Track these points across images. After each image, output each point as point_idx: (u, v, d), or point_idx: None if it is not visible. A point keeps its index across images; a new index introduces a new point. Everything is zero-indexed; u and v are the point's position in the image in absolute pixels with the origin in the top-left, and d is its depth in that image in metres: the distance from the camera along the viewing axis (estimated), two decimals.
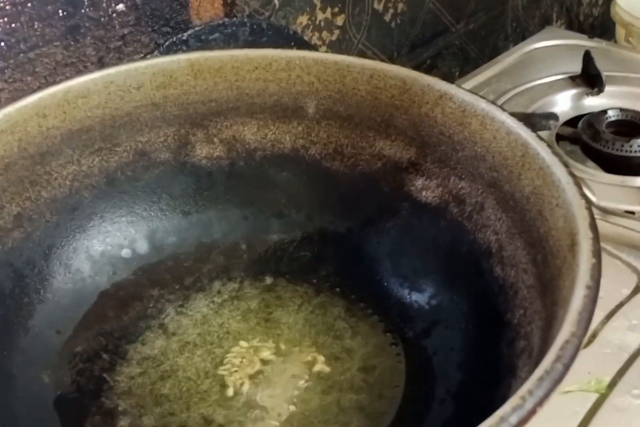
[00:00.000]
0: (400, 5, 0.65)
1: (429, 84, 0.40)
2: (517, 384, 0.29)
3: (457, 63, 0.77)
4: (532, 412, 0.23)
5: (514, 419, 0.22)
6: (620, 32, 0.80)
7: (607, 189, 0.55)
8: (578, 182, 0.32)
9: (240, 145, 0.43)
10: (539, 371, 0.24)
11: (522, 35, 0.87)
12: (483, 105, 0.38)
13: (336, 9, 0.58)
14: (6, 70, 0.39)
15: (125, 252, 0.41)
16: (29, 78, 0.40)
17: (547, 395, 0.23)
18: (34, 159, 0.37)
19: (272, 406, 0.35)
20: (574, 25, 1.01)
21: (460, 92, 0.39)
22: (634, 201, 0.53)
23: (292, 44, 0.53)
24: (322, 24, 0.58)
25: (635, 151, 0.58)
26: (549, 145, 0.35)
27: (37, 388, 0.34)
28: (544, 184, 0.34)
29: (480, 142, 0.38)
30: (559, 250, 0.31)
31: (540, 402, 0.23)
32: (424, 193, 0.41)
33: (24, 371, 0.34)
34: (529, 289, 0.33)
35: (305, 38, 0.56)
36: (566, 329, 0.25)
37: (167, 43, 0.45)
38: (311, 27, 0.57)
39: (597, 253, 0.28)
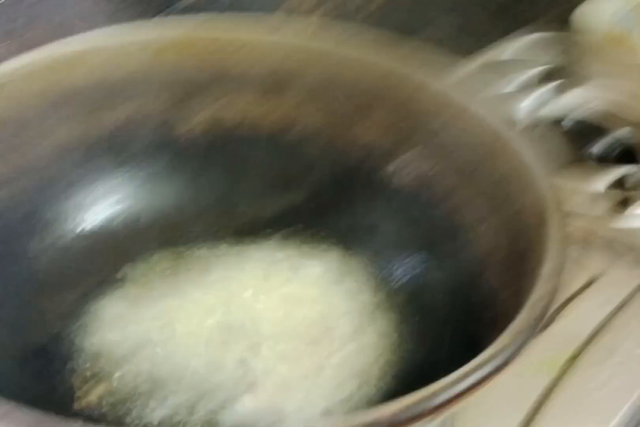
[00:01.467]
0: None
1: (407, 74, 0.41)
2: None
3: None
4: (505, 363, 0.24)
5: (488, 367, 0.24)
6: None
7: None
8: (547, 166, 0.35)
9: (220, 124, 0.44)
10: (513, 327, 0.25)
11: None
12: (457, 95, 0.40)
13: None
14: None
15: (104, 222, 0.42)
16: None
17: (520, 347, 0.25)
18: (18, 123, 0.38)
19: None
20: None
21: (437, 83, 0.41)
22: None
23: None
24: None
25: None
26: (520, 132, 0.37)
27: None
28: (513, 170, 0.36)
29: (454, 131, 0.40)
30: (529, 229, 0.33)
31: (514, 354, 0.24)
32: (396, 179, 0.43)
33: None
34: (498, 265, 0.35)
35: None
36: (537, 292, 0.27)
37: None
38: None
39: (563, 228, 0.31)
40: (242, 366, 0.36)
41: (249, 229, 0.44)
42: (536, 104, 0.63)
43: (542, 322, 0.26)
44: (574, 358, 0.43)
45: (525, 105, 0.65)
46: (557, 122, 0.61)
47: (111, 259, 0.41)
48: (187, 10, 0.49)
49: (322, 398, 0.35)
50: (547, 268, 0.28)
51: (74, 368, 0.36)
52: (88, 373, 0.36)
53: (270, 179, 0.45)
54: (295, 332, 0.38)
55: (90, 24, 0.42)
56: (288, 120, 0.44)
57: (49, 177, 0.40)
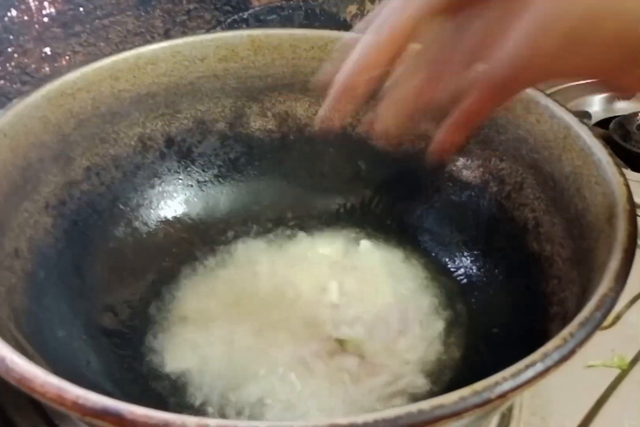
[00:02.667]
0: None
1: None
2: None
3: None
4: (572, 352, 0.25)
5: (556, 355, 0.24)
6: None
7: (635, 186, 0.56)
8: (617, 162, 0.35)
9: (292, 120, 0.46)
10: (579, 318, 0.26)
11: None
12: (528, 90, 0.40)
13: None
14: (82, 35, 0.42)
15: (181, 213, 0.44)
16: (102, 44, 0.43)
17: (586, 338, 0.25)
18: (105, 118, 0.40)
19: None
20: None
21: None
22: None
23: (342, 31, 0.55)
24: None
25: None
26: (590, 128, 0.37)
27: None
28: (584, 164, 0.36)
29: (524, 126, 0.40)
30: (597, 223, 0.33)
31: (580, 344, 0.25)
32: (465, 173, 0.43)
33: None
34: (564, 260, 0.35)
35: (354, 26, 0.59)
36: (605, 284, 0.27)
37: (228, 21, 0.48)
38: (359, 16, 0.59)
39: (633, 222, 0.31)
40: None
41: (319, 221, 0.45)
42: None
43: (607, 316, 0.27)
44: None
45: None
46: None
47: (189, 243, 0.43)
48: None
49: (386, 384, 0.37)
50: (614, 263, 0.28)
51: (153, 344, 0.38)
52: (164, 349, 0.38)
53: (340, 173, 0.46)
54: (365, 317, 0.40)
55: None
56: (358, 115, 0.45)
57: (135, 167, 0.42)
